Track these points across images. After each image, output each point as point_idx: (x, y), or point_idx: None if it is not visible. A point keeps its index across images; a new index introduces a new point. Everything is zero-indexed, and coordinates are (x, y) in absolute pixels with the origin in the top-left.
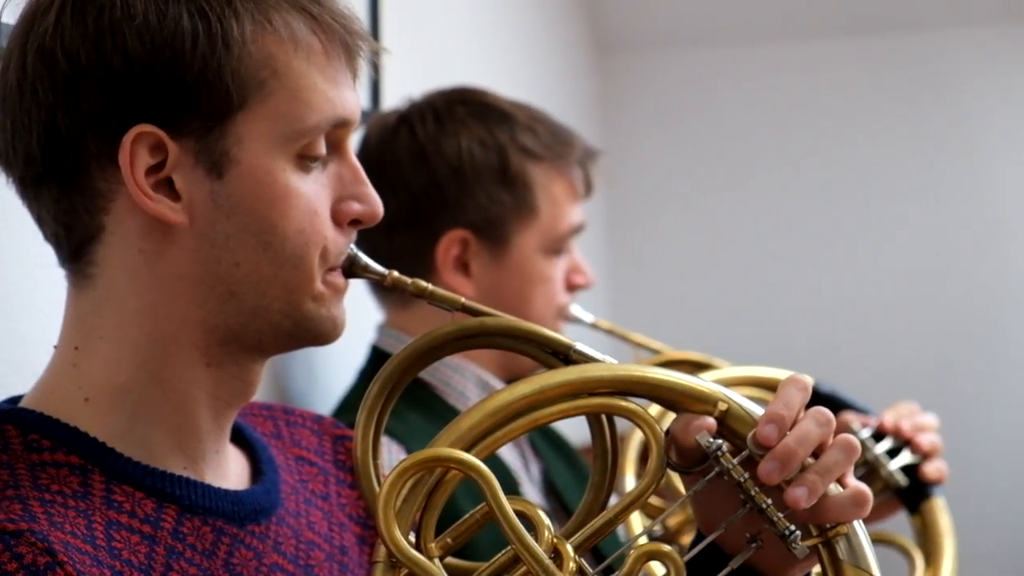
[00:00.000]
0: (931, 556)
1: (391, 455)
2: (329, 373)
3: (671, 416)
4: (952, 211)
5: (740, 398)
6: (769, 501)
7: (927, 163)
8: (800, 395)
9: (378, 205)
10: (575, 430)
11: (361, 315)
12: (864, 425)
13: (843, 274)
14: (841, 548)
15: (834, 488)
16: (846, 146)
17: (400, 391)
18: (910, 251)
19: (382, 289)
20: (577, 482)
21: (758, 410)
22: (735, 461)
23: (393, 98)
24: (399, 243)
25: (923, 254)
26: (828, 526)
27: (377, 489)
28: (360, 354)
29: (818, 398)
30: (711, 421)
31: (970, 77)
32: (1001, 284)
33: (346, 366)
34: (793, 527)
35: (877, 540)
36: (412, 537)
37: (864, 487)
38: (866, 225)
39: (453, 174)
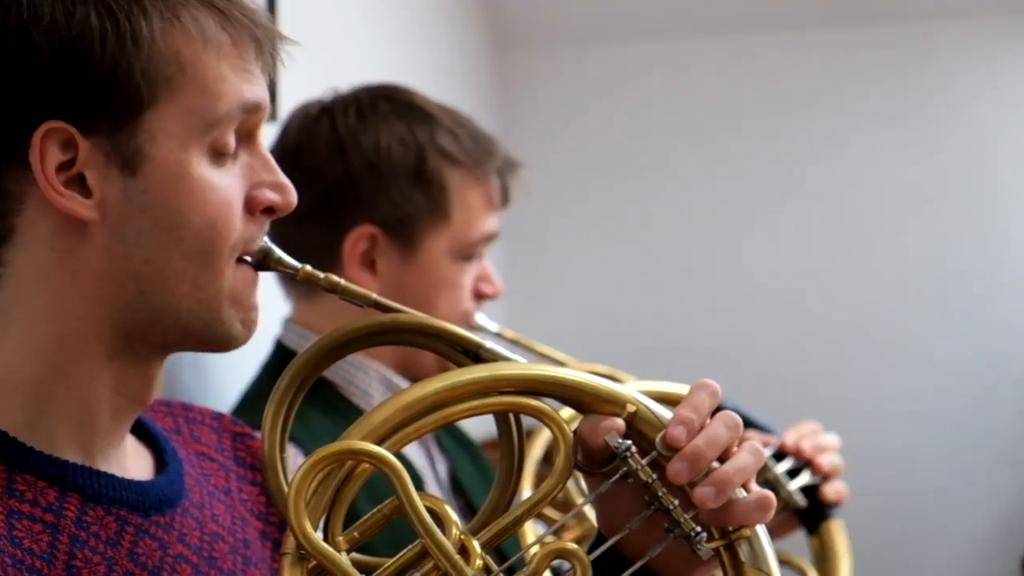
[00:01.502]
0: None
1: (293, 460)
2: (220, 367)
3: (580, 417)
4: (842, 212)
5: (649, 401)
6: (676, 502)
7: (818, 161)
8: (709, 399)
9: (291, 193)
10: (477, 425)
11: (264, 308)
12: (765, 444)
13: (741, 272)
14: (743, 551)
15: (739, 492)
16: (747, 143)
17: (309, 386)
18: (808, 247)
19: (290, 282)
20: (483, 480)
21: (666, 413)
22: (643, 462)
23: (289, 95)
24: (308, 234)
25: (820, 257)
26: (731, 529)
27: (284, 484)
28: (253, 349)
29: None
30: (620, 422)
31: (859, 76)
32: (890, 287)
33: (238, 360)
34: (699, 528)
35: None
36: (320, 531)
37: (768, 492)
38: (764, 221)
39: (368, 169)
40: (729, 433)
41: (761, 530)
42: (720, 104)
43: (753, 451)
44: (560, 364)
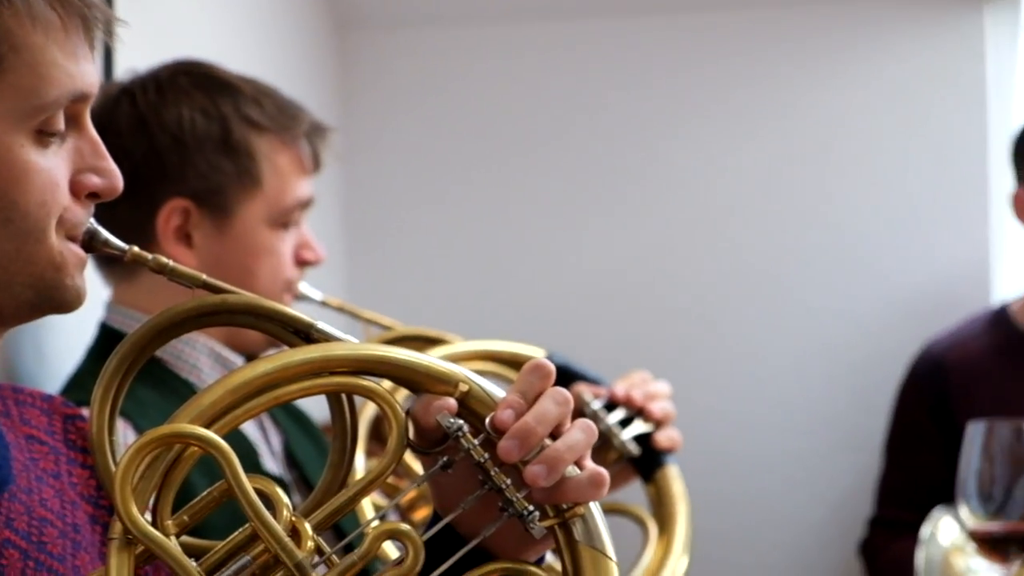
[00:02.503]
0: (665, 524)
1: (122, 435)
2: (59, 350)
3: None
4: (687, 193)
5: (481, 380)
6: (508, 481)
7: (665, 145)
8: (540, 381)
9: (117, 178)
10: (320, 409)
11: (90, 291)
12: (596, 396)
13: (579, 251)
14: (577, 529)
15: (572, 469)
16: (587, 126)
17: (137, 368)
18: (646, 230)
19: (108, 263)
20: (318, 455)
21: (499, 392)
22: (475, 442)
23: (123, 76)
24: (121, 213)
25: (659, 233)
26: (565, 507)
27: (112, 467)
28: (91, 332)
29: None
30: (452, 402)
31: (703, 62)
32: (729, 273)
33: (79, 344)
34: (531, 507)
35: (611, 510)
36: (148, 515)
37: (602, 469)
38: (604, 203)
39: (173, 143)
40: (559, 409)
41: (595, 508)
42: (564, 87)
43: (585, 428)
44: (386, 329)
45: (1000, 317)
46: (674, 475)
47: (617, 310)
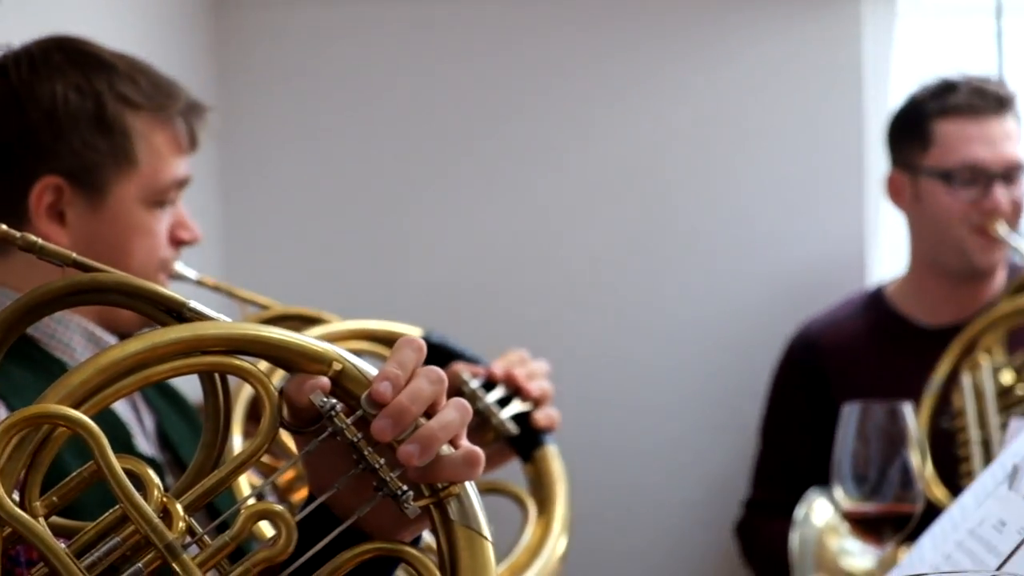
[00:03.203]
0: (544, 503)
1: None
2: None
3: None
4: (563, 173)
5: (355, 359)
6: (382, 461)
7: (541, 124)
8: (415, 355)
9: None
10: (195, 389)
11: None
12: (474, 375)
13: (458, 231)
14: (452, 509)
15: (447, 449)
16: (465, 105)
17: (6, 347)
18: (523, 211)
19: None
20: (192, 435)
21: (373, 370)
22: (349, 421)
23: None
24: None
25: (537, 214)
26: (440, 487)
27: None
28: None
29: (429, 348)
30: (325, 381)
31: (591, 38)
32: (610, 250)
33: None
34: (405, 487)
35: (491, 490)
36: (16, 496)
37: (476, 448)
38: (481, 183)
39: (46, 119)
40: (433, 388)
41: (471, 488)
42: (440, 65)
43: (459, 407)
44: (264, 308)
45: (875, 298)
46: (553, 454)
47: (494, 291)
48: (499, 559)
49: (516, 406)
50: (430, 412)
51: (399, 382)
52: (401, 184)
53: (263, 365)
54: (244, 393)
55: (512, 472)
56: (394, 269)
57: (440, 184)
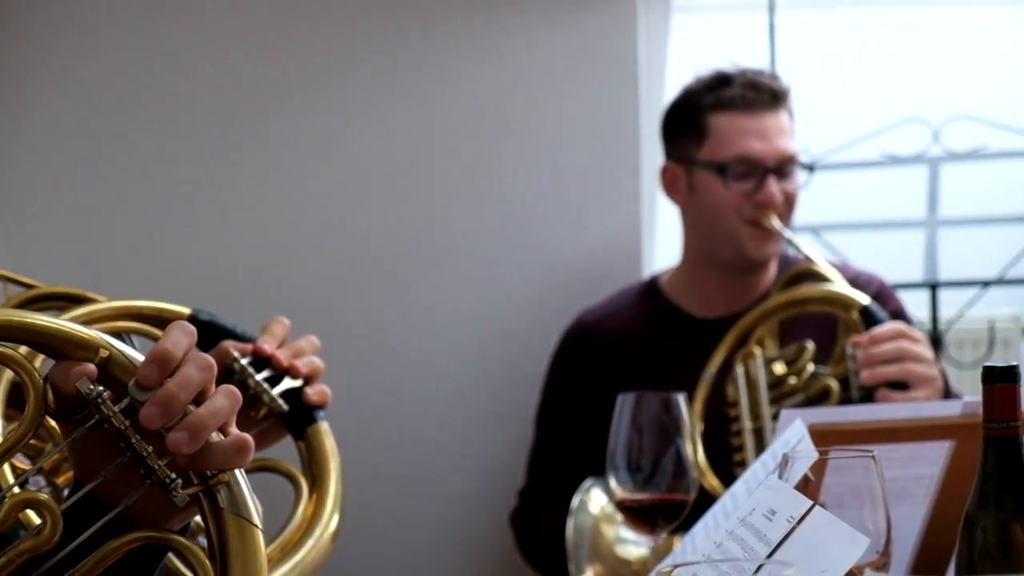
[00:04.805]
0: (316, 480)
1: None
2: None
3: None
4: (339, 162)
5: (122, 345)
6: (150, 449)
7: (313, 114)
8: (184, 341)
9: None
10: None
11: None
12: (243, 353)
13: (230, 210)
14: (222, 496)
15: (216, 436)
16: (236, 86)
17: None
18: (299, 196)
19: None
20: None
21: (140, 357)
22: (116, 408)
23: None
24: None
25: (313, 201)
26: (210, 474)
27: None
28: None
29: (198, 326)
30: (91, 367)
31: (357, 31)
32: (385, 241)
33: None
34: (174, 475)
35: (263, 468)
36: None
37: (246, 435)
38: (255, 164)
39: None
40: (202, 375)
41: (240, 475)
42: (219, 49)
43: (228, 394)
44: (28, 287)
45: (650, 289)
46: (325, 431)
47: (269, 280)
48: (272, 537)
49: (287, 383)
50: (199, 399)
51: (166, 368)
52: (172, 161)
53: (24, 349)
54: (5, 376)
55: (284, 450)
56: (162, 247)
57: (213, 162)
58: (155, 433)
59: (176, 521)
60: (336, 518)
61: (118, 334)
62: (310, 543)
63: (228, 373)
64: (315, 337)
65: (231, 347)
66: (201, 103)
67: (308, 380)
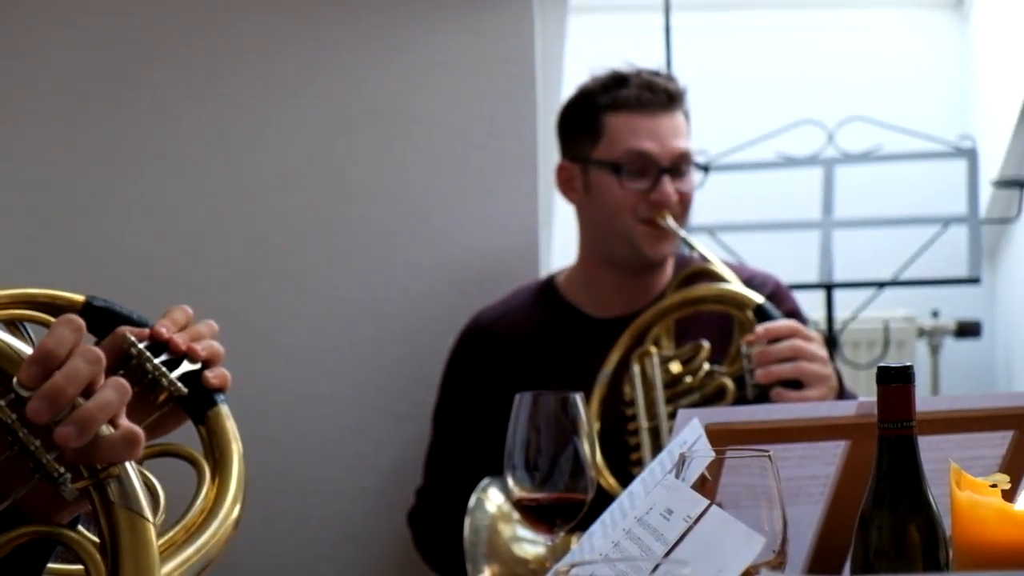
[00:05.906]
0: (219, 463)
1: None
2: None
3: None
4: (235, 160)
5: (9, 338)
6: (38, 443)
7: (212, 111)
8: (71, 336)
9: None
10: None
11: None
12: (140, 338)
13: (128, 200)
14: (112, 490)
15: (106, 429)
16: (139, 80)
17: None
18: (196, 191)
19: None
20: None
21: (28, 349)
22: (2, 402)
23: None
24: None
25: (211, 196)
26: (99, 468)
27: None
28: None
29: (92, 312)
30: None
31: (248, 28)
32: (282, 236)
33: None
34: (63, 469)
35: (165, 452)
36: None
37: (136, 428)
38: (153, 160)
39: None
40: (90, 368)
41: (131, 467)
42: (128, 46)
43: (117, 387)
44: None
45: (546, 289)
46: (226, 414)
47: (164, 268)
48: (174, 521)
49: (186, 366)
50: (88, 392)
51: (52, 362)
52: (70, 157)
53: None
54: None
55: (184, 434)
56: (60, 245)
57: (113, 162)
58: (43, 427)
59: (66, 515)
60: (240, 500)
61: (11, 322)
62: (214, 525)
63: (125, 359)
64: (213, 322)
65: (127, 332)
66: (96, 98)
67: (207, 364)
